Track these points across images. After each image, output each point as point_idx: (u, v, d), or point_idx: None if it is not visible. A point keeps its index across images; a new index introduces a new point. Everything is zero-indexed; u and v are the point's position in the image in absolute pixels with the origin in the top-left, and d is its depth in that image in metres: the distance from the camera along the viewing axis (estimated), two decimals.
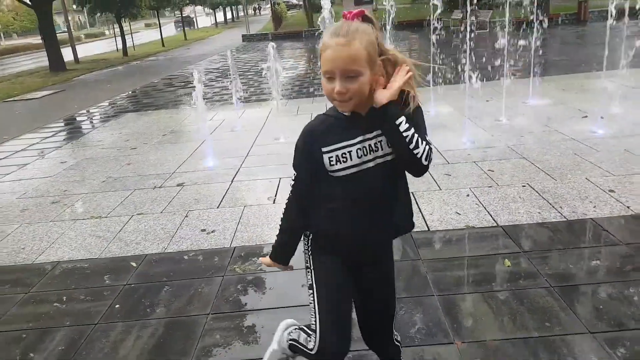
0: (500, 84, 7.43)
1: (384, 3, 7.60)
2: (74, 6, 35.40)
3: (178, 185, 4.94)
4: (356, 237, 1.67)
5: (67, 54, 19.82)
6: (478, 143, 5.39)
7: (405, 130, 1.51)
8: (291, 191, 1.70)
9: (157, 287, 3.10)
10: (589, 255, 3.08)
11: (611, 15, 6.23)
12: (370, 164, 1.58)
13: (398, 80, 1.53)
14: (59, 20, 35.33)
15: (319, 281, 1.74)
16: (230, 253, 3.44)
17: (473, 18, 6.16)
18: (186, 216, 4.14)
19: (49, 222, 4.29)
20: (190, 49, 25.71)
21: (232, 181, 4.93)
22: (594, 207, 3.65)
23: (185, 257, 3.46)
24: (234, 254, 3.42)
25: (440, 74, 8.10)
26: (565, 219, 3.50)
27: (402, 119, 1.52)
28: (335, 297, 1.73)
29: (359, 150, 1.57)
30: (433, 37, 7.46)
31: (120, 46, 24.82)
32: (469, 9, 6.75)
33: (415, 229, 3.44)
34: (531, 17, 7.25)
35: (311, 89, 9.97)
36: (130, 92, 12.15)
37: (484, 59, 8.81)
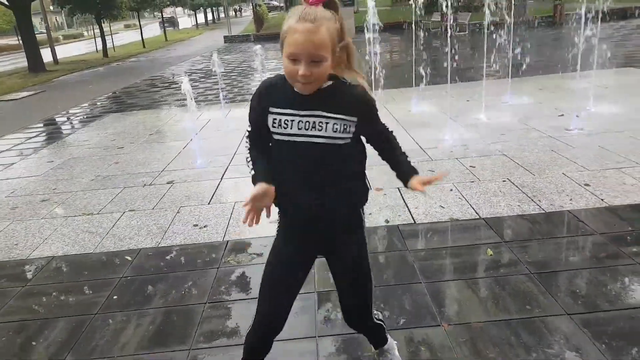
0: (480, 84, 7.65)
1: (366, 5, 7.76)
2: (52, 7, 34.88)
3: (168, 182, 5.01)
4: (295, 199, 1.74)
5: (45, 55, 19.57)
6: (460, 141, 5.57)
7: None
8: (247, 141, 1.79)
9: (153, 279, 3.19)
10: (566, 244, 3.26)
11: (585, 18, 6.49)
12: (309, 139, 1.65)
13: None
14: (35, 21, 34.71)
15: (268, 260, 1.92)
16: (223, 246, 3.54)
17: (452, 20, 6.35)
18: (178, 212, 4.22)
19: (40, 219, 4.33)
20: (171, 50, 25.58)
21: (221, 179, 5.01)
22: (570, 199, 3.84)
23: (180, 251, 3.55)
24: (227, 247, 3.52)
25: (423, 75, 8.29)
26: (543, 211, 3.68)
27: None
28: (270, 286, 1.89)
29: (300, 123, 1.64)
30: (413, 39, 7.66)
31: (100, 47, 24.56)
32: (448, 11, 6.96)
33: (402, 222, 3.67)
34: (508, 20, 7.50)
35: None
36: (112, 93, 12.10)
37: (463, 60, 9.05)
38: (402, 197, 4.12)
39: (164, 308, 2.85)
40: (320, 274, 2.95)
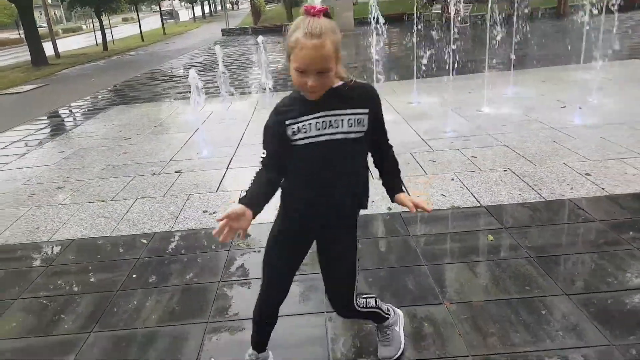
0: (481, 76, 7.76)
1: None
2: (50, 0, 34.78)
3: (176, 172, 5.13)
4: (310, 200, 1.88)
5: (47, 48, 19.60)
6: (461, 132, 5.68)
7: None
8: (261, 166, 1.84)
9: (168, 260, 3.34)
10: (566, 230, 3.38)
11: (590, 11, 6.56)
12: (329, 137, 1.78)
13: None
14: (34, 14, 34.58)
15: (267, 244, 2.07)
16: None
17: (453, 12, 6.43)
18: (187, 199, 4.35)
19: (57, 205, 4.49)
20: (170, 43, 25.59)
21: (227, 168, 5.14)
22: (571, 188, 3.95)
23: (192, 235, 3.69)
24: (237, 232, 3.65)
25: (423, 67, 8.39)
26: (544, 200, 3.79)
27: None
28: (273, 266, 2.06)
29: (317, 124, 1.76)
30: (415, 31, 7.74)
31: (99, 41, 24.58)
32: (450, 3, 7.03)
33: (403, 209, 3.74)
34: (511, 11, 7.56)
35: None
36: (115, 86, 12.18)
37: (465, 52, 9.13)
38: (404, 185, 4.23)
39: (181, 286, 3.01)
40: None
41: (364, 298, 2.19)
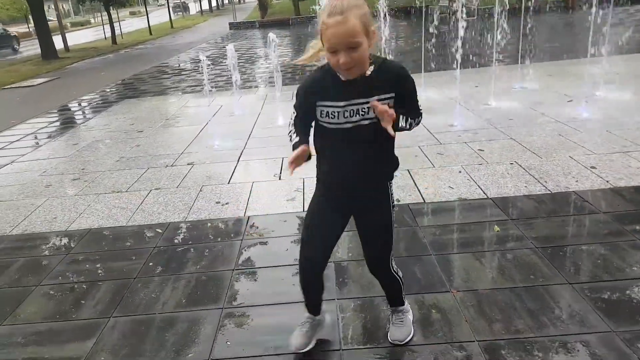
0: (489, 69, 7.78)
1: None
2: None
3: (188, 164, 5.24)
4: (338, 177, 2.02)
5: (56, 42, 19.76)
6: (468, 125, 5.75)
7: (406, 126, 1.92)
8: (291, 123, 1.99)
9: (184, 249, 3.45)
10: (570, 222, 3.45)
11: (599, 4, 6.56)
12: (355, 124, 1.88)
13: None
14: None
15: (308, 210, 2.21)
16: (245, 221, 3.78)
17: (461, 4, 6.44)
18: (200, 190, 4.46)
19: (74, 196, 4.62)
20: (177, 37, 25.68)
21: (238, 160, 5.24)
22: (576, 181, 4.02)
23: (206, 225, 3.80)
24: (249, 222, 3.76)
25: (431, 61, 8.43)
26: (549, 192, 3.86)
27: (402, 124, 1.88)
28: (312, 216, 2.18)
29: (345, 112, 1.86)
30: (422, 24, 7.76)
31: (108, 34, 24.72)
32: None
33: (412, 201, 3.87)
34: (519, 4, 7.55)
35: (306, 74, 10.23)
36: (125, 79, 12.31)
37: (472, 46, 9.15)
38: (412, 177, 4.33)
39: (196, 273, 3.12)
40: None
41: (397, 264, 2.32)
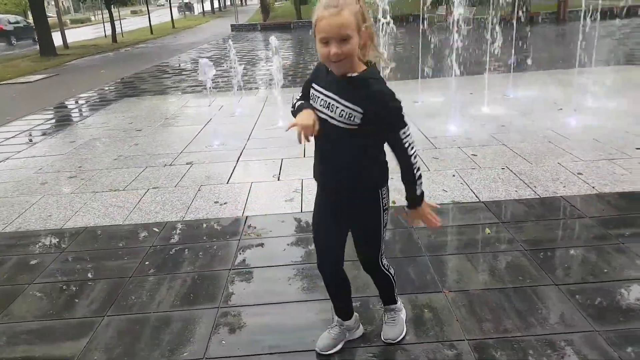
0: (483, 77, 7.90)
1: None
2: None
3: (187, 163, 5.31)
4: (319, 169, 2.10)
5: (55, 39, 19.78)
6: (462, 131, 5.85)
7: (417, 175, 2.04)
8: (294, 102, 2.11)
9: (181, 248, 3.50)
10: (558, 226, 3.55)
11: (589, 15, 6.71)
12: (325, 117, 1.94)
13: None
14: None
15: (313, 212, 2.28)
16: (243, 221, 3.85)
17: (457, 14, 6.56)
18: (199, 190, 4.53)
19: (70, 194, 4.65)
20: (179, 37, 25.74)
21: (237, 161, 5.31)
22: (564, 186, 4.13)
23: (203, 224, 3.86)
24: (247, 222, 3.83)
25: (426, 68, 8.53)
26: (538, 197, 3.97)
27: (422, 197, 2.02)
28: (315, 227, 2.26)
29: (321, 100, 1.95)
30: (419, 32, 7.86)
31: (108, 32, 24.74)
32: (453, 6, 7.15)
33: (406, 203, 3.93)
34: (513, 15, 7.70)
35: (306, 76, 10.32)
36: (125, 78, 12.36)
37: (467, 54, 9.27)
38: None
39: (193, 273, 3.17)
40: None
41: (388, 263, 2.36)
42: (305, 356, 2.40)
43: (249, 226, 3.76)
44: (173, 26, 32.43)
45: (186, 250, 3.47)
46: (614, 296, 2.70)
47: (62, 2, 63.77)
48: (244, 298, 2.89)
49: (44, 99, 10.14)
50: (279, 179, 4.69)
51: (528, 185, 4.19)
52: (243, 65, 9.73)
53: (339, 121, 1.90)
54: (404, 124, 1.92)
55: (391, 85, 1.95)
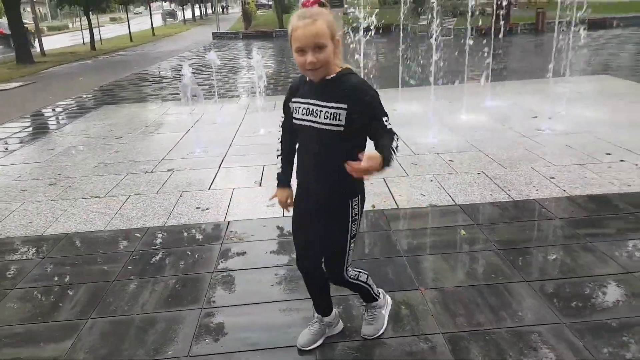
0: (461, 86, 8.11)
1: (353, 8, 8.08)
2: None
3: (168, 170, 5.33)
4: (301, 175, 2.19)
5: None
6: (441, 138, 5.99)
7: (391, 155, 1.85)
8: (281, 126, 2.25)
9: (163, 252, 3.54)
10: (530, 227, 3.69)
11: (567, 27, 6.96)
12: (310, 124, 2.03)
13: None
14: None
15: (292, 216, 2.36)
16: (225, 226, 3.90)
17: (438, 25, 6.76)
18: (180, 196, 4.56)
19: (50, 201, 4.63)
20: (159, 45, 25.63)
21: (219, 167, 5.36)
22: (537, 190, 4.29)
23: (185, 229, 3.91)
24: (229, 227, 3.88)
25: (408, 77, 8.72)
26: (512, 199, 4.13)
27: (386, 155, 1.83)
28: (295, 227, 2.35)
29: (304, 109, 2.04)
30: (400, 42, 8.03)
31: (87, 40, 24.51)
32: (435, 16, 7.35)
33: (386, 207, 4.07)
34: (492, 26, 7.93)
35: (288, 84, 10.42)
36: (104, 86, 12.28)
37: (447, 64, 9.50)
38: (387, 185, 4.53)
39: (176, 276, 3.21)
40: None
41: (356, 271, 2.40)
42: (286, 352, 2.48)
43: (231, 231, 3.81)
44: (153, 34, 32.24)
45: (168, 254, 3.51)
46: (581, 291, 2.84)
47: (39, 8, 62.92)
48: (226, 299, 2.95)
49: (21, 106, 10.02)
50: (260, 185, 4.76)
51: (502, 189, 4.34)
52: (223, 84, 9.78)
53: (325, 124, 1.97)
54: (385, 113, 1.98)
55: None
